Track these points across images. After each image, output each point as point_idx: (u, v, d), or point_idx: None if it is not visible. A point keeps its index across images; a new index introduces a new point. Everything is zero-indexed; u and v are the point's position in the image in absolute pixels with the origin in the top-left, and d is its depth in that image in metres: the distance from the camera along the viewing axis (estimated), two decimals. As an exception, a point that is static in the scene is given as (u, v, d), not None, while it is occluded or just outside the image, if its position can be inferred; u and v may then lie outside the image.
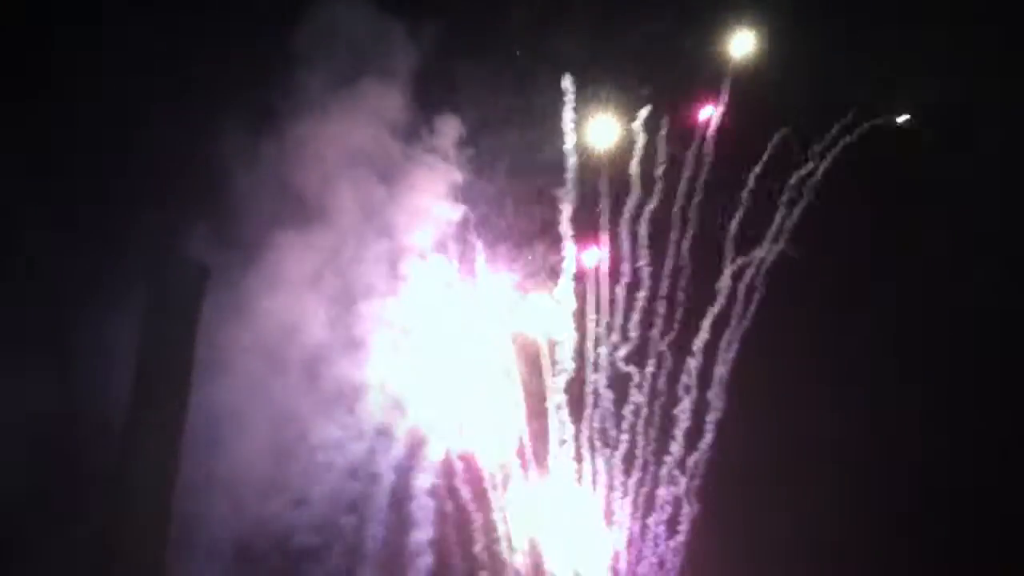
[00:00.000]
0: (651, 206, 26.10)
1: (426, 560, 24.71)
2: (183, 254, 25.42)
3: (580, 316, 25.97)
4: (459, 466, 25.53)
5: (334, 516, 24.64)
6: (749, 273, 25.14)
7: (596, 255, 25.98)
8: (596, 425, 25.40)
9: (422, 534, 24.85)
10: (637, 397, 25.23)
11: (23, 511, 22.93)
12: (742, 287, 25.13)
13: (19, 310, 23.71)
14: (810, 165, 25.24)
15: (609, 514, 25.21)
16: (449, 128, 26.23)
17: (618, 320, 25.76)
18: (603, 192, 26.38)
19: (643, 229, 25.97)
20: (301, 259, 25.59)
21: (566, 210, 26.31)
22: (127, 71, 25.33)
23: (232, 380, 24.89)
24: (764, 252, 25.00)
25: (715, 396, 24.93)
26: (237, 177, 25.20)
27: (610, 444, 25.41)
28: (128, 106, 25.15)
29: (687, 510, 24.93)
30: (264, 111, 25.45)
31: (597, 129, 26.56)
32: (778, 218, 25.11)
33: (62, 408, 23.55)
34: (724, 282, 25.14)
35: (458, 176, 26.31)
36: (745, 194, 25.28)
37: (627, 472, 25.25)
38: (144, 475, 24.18)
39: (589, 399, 25.54)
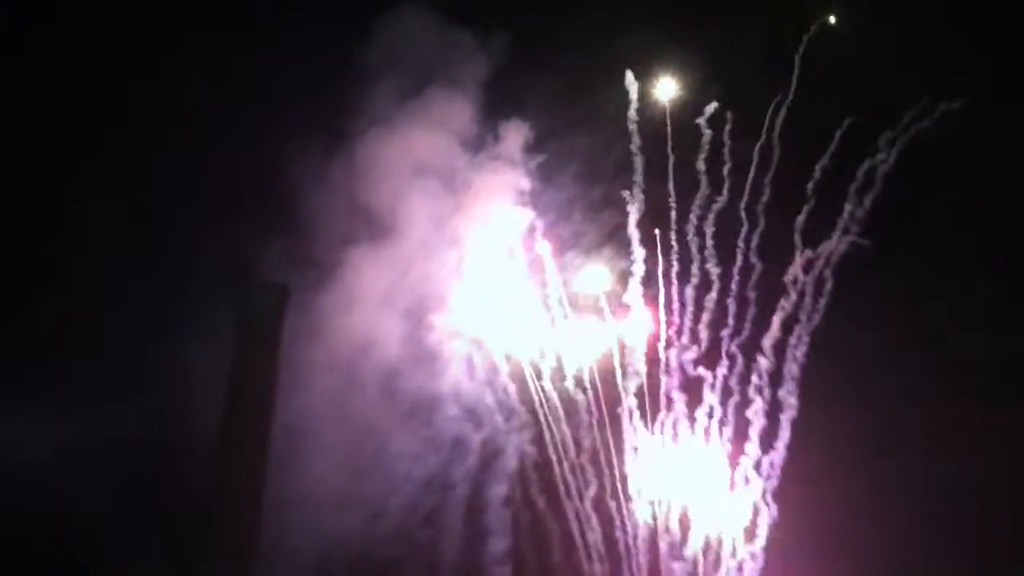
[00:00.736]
0: (719, 204, 25.29)
1: (504, 571, 24.52)
2: (263, 275, 25.97)
3: (650, 320, 25.32)
4: (533, 476, 25.15)
5: (411, 529, 24.69)
6: (818, 268, 24.14)
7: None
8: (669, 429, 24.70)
9: (499, 544, 24.71)
10: (710, 399, 24.51)
11: (118, 534, 23.63)
12: (811, 282, 24.15)
13: (99, 332, 24.36)
14: (881, 155, 24.01)
15: (687, 520, 24.50)
16: (516, 135, 26.25)
17: (688, 322, 25.11)
18: (671, 192, 25.73)
19: (710, 228, 25.16)
20: (374, 274, 26.04)
21: (634, 212, 25.78)
22: (202, 96, 25.96)
23: (311, 398, 25.58)
24: (833, 245, 23.96)
25: (788, 395, 24.02)
26: (310, 197, 25.93)
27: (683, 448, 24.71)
28: (201, 129, 25.83)
29: (765, 513, 24.03)
30: (334, 130, 26.03)
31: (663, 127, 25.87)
32: (847, 210, 24.08)
33: (152, 433, 24.33)
34: (793, 278, 24.11)
35: (525, 182, 26.02)
36: (811, 186, 24.28)
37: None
38: (234, 494, 24.79)
39: (662, 402, 24.87)
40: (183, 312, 25.19)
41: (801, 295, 24.36)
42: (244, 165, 26.12)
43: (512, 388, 25.88)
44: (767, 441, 24.48)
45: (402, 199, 26.31)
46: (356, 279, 25.91)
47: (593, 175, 26.42)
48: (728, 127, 25.52)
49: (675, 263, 25.79)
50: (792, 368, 24.28)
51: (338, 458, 25.10)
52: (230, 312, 26.07)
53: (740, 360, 24.89)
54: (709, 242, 25.44)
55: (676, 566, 24.36)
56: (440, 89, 26.47)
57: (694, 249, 25.69)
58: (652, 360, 25.62)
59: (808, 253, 24.35)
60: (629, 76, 26.07)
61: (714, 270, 25.46)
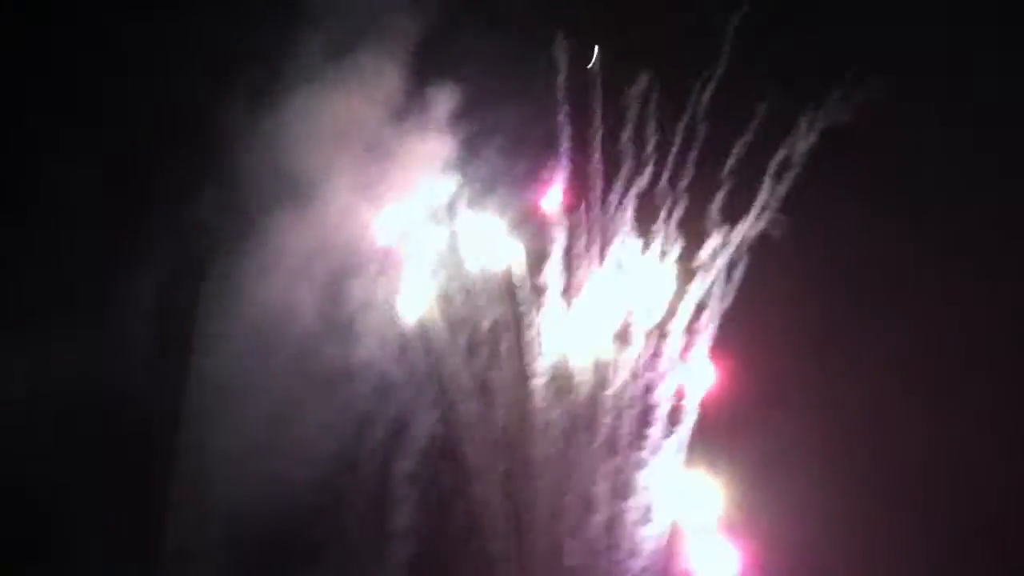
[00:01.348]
0: (642, 181, 24.80)
1: (407, 546, 24.37)
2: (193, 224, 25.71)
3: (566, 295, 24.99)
4: (441, 453, 24.95)
5: (318, 500, 24.53)
6: (729, 250, 23.73)
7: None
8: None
9: (403, 519, 24.49)
10: (620, 380, 24.20)
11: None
12: (723, 264, 23.76)
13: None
14: (801, 134, 23.48)
15: (589, 500, 24.30)
16: (445, 101, 25.78)
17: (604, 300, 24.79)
18: (595, 168, 25.25)
19: (631, 206, 24.70)
20: (293, 239, 25.54)
21: (558, 186, 25.32)
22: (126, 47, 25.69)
23: (225, 364, 25.10)
24: (747, 228, 23.51)
25: (694, 376, 23.70)
26: (231, 155, 25.48)
27: (591, 429, 24.42)
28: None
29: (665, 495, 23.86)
30: (258, 87, 25.66)
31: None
32: (764, 192, 23.58)
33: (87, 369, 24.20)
34: (709, 257, 23.73)
35: (452, 151, 25.63)
36: (730, 165, 23.76)
37: (609, 456, 24.27)
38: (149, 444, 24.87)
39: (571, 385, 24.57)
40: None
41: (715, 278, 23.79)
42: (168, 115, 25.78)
43: (424, 363, 25.22)
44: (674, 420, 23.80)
45: (325, 163, 25.62)
46: (275, 243, 25.41)
47: (521, 146, 25.66)
48: (654, 101, 24.56)
49: (596, 239, 24.89)
50: (700, 351, 23.73)
51: (251, 422, 24.60)
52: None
53: (653, 341, 24.23)
54: (629, 219, 24.60)
55: (577, 544, 24.00)
56: (369, 50, 25.85)
57: (615, 225, 24.87)
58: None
59: (724, 233, 23.68)
60: (559, 42, 24.94)
61: (634, 247, 24.61)
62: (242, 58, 25.77)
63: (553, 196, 25.59)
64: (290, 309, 25.28)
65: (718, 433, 23.97)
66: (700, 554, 23.57)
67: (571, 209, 25.44)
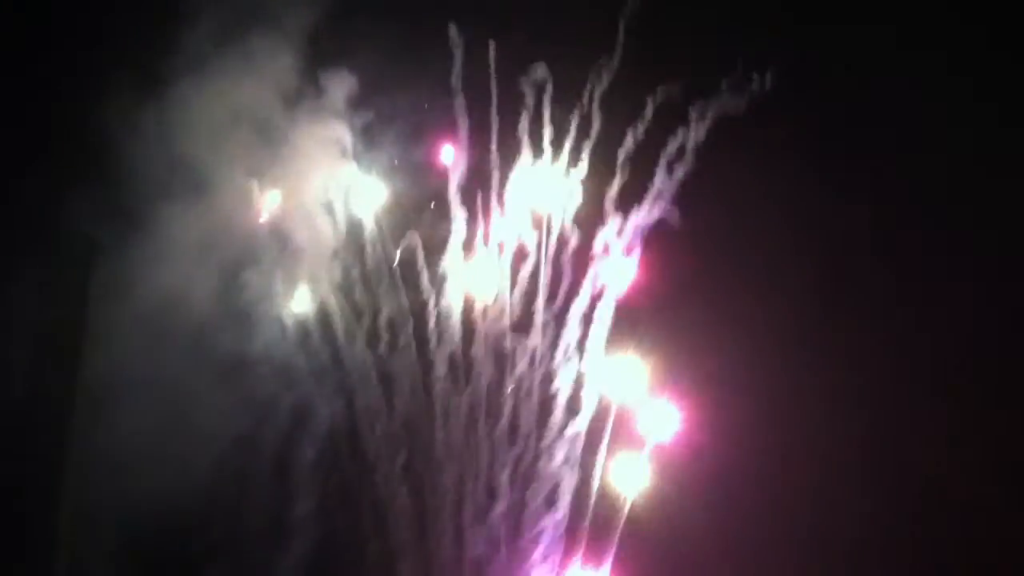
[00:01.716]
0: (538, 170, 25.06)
1: (310, 532, 24.34)
2: (70, 226, 24.88)
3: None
4: (344, 440, 24.95)
5: (217, 489, 24.19)
6: (624, 241, 24.21)
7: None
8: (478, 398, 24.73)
9: (304, 511, 24.45)
10: (520, 368, 24.53)
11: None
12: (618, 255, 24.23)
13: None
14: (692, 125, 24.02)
15: (492, 487, 24.66)
16: (340, 87, 25.49)
17: (503, 292, 25.02)
18: (493, 158, 25.36)
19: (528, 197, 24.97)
20: (187, 229, 24.90)
21: (455, 177, 25.36)
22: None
23: (123, 355, 24.62)
24: (640, 219, 24.00)
25: (590, 367, 24.14)
26: (121, 144, 24.54)
27: (493, 416, 24.75)
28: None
29: (566, 482, 24.34)
30: (148, 72, 24.80)
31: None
32: (656, 182, 24.09)
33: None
34: (603, 248, 24.18)
35: (348, 138, 25.42)
36: (623, 157, 24.18)
37: (510, 444, 24.64)
38: (36, 449, 24.11)
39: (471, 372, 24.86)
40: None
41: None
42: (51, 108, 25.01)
43: (326, 352, 25.15)
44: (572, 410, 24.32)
45: (218, 150, 25.13)
46: (167, 234, 24.87)
47: (418, 135, 25.59)
48: (549, 92, 24.77)
49: (491, 231, 25.19)
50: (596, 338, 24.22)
51: (144, 418, 24.16)
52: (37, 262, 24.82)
53: (552, 330, 24.59)
54: (526, 210, 24.84)
55: (480, 531, 24.35)
56: (262, 34, 25.28)
57: (511, 216, 25.11)
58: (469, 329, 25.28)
59: (617, 223, 24.13)
60: (453, 32, 24.87)
61: (531, 238, 24.87)
62: (124, 48, 25.11)
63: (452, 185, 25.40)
64: (184, 300, 24.78)
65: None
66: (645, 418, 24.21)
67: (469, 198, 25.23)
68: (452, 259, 25.44)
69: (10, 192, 24.99)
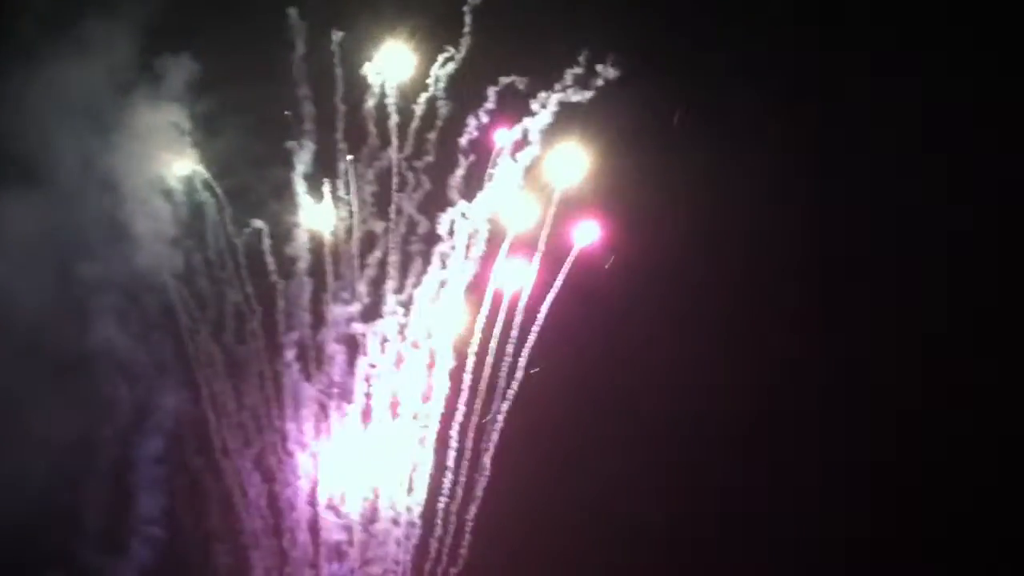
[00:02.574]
0: (383, 160, 25.15)
1: (156, 530, 23.67)
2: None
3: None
4: (190, 433, 24.40)
5: (52, 495, 23.26)
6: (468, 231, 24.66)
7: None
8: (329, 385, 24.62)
9: (151, 504, 23.76)
10: (371, 355, 24.59)
11: None
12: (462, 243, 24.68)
13: None
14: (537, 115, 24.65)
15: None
16: (179, 73, 24.92)
17: (352, 277, 25.01)
18: (339, 145, 25.31)
19: (374, 185, 25.03)
20: (18, 222, 23.80)
21: (300, 166, 25.17)
22: None
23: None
24: (480, 209, 24.54)
25: (439, 351, 24.51)
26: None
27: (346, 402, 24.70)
28: None
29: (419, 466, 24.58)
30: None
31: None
32: (498, 171, 24.65)
33: None
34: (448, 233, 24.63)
35: (188, 126, 24.84)
36: (466, 143, 24.63)
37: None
38: None
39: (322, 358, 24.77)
40: None
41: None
42: None
43: (168, 344, 24.56)
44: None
45: (49, 139, 24.24)
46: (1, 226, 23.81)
47: (263, 124, 25.26)
48: (394, 80, 24.93)
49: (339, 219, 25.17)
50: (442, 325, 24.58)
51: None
52: None
53: (399, 316, 24.80)
54: (370, 198, 24.90)
55: (334, 520, 24.26)
56: (96, 17, 24.57)
57: (357, 205, 25.09)
58: (317, 316, 25.09)
59: (462, 210, 24.54)
60: (292, 17, 24.70)
61: (378, 226, 24.95)
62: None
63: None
64: (16, 296, 23.73)
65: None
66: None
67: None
68: (298, 246, 24.81)
69: None
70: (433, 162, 25.30)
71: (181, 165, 25.30)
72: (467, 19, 25.17)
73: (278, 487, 24.59)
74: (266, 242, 25.32)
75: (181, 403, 24.75)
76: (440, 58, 25.31)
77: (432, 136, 25.28)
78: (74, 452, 23.97)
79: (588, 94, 24.58)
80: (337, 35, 25.23)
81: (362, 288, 25.29)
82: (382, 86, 25.39)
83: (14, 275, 23.66)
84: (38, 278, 23.91)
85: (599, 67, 24.41)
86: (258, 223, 25.29)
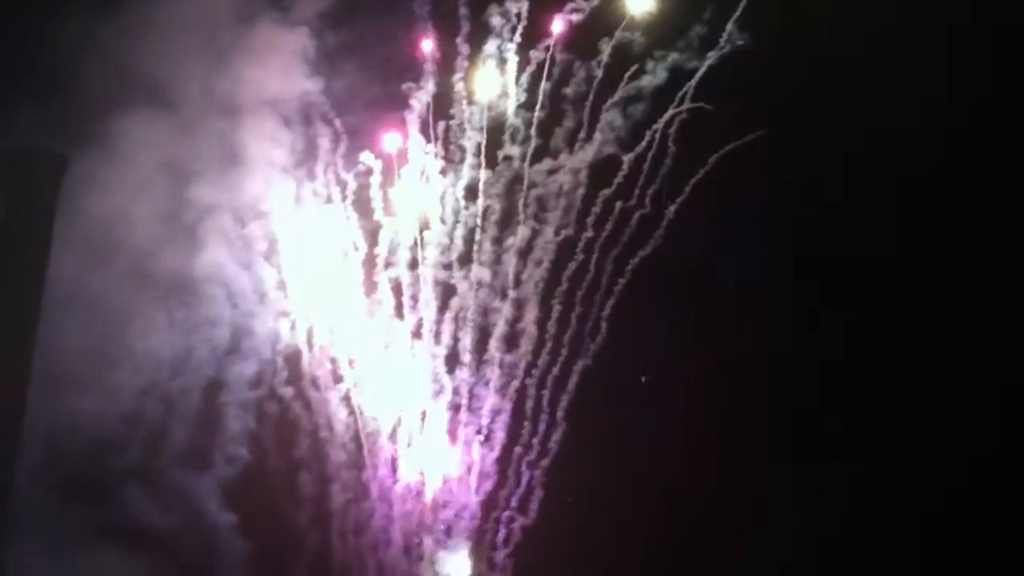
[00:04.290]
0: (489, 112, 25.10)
1: (241, 451, 24.08)
2: (33, 144, 24.61)
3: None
4: (283, 362, 24.67)
5: (146, 408, 24.12)
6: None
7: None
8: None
9: (238, 426, 24.19)
10: (462, 301, 24.53)
11: None
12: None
13: None
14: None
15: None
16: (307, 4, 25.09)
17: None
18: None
19: (478, 137, 25.08)
20: (144, 146, 24.62)
21: (417, 109, 25.18)
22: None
23: (67, 278, 24.18)
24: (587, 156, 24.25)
25: (528, 299, 24.36)
26: (81, 61, 24.36)
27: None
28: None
29: (503, 415, 24.30)
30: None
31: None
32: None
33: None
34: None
35: (314, 56, 25.20)
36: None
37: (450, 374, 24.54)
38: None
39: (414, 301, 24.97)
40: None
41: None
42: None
43: (271, 272, 24.92)
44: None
45: (178, 64, 24.91)
46: (125, 150, 24.63)
47: (385, 62, 25.29)
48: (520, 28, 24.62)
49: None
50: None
51: (84, 337, 24.07)
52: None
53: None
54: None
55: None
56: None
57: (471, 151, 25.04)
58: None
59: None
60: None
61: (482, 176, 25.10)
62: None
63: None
64: (133, 218, 24.37)
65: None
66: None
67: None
68: (406, 187, 24.76)
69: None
70: (544, 116, 24.77)
71: (301, 94, 25.05)
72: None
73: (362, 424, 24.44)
74: (376, 179, 25.01)
75: (277, 332, 24.59)
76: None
77: (544, 87, 24.59)
78: (171, 370, 24.32)
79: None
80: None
81: (459, 235, 24.83)
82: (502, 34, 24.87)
83: (132, 198, 24.06)
84: (154, 201, 24.25)
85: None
86: (369, 160, 24.91)
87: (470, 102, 25.21)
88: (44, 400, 23.48)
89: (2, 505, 22.99)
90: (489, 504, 24.48)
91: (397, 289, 25.16)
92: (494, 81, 25.23)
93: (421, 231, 25.20)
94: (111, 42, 24.32)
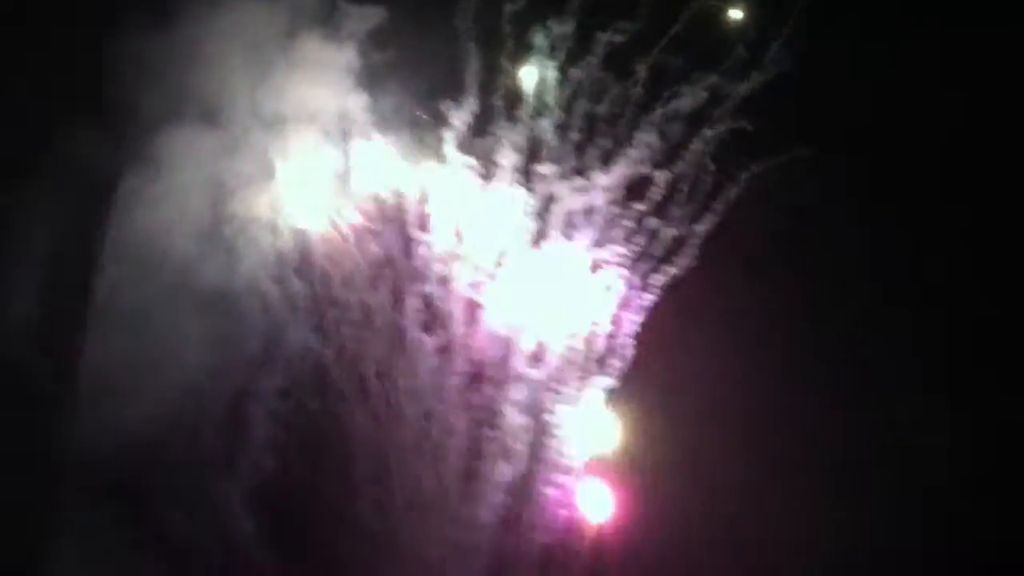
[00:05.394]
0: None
1: (266, 461, 24.06)
2: (86, 156, 25.06)
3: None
4: (313, 373, 24.78)
5: (179, 417, 24.42)
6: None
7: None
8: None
9: (264, 435, 24.18)
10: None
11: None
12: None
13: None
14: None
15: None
16: (361, 20, 25.40)
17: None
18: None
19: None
20: (190, 161, 25.18)
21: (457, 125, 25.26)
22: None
23: (123, 281, 24.84)
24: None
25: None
26: (131, 81, 24.86)
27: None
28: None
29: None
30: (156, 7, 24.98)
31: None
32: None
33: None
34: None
35: (361, 71, 25.43)
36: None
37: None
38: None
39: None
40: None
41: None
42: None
43: (303, 284, 25.05)
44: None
45: (227, 80, 25.28)
46: (172, 166, 25.12)
47: (427, 80, 25.43)
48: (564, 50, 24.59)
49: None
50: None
51: (130, 345, 24.48)
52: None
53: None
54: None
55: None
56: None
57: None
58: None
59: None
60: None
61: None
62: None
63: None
64: (183, 229, 24.75)
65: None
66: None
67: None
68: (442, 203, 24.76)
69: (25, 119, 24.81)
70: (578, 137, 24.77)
71: (343, 111, 25.28)
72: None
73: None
74: (414, 195, 25.02)
75: (307, 345, 24.58)
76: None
77: (584, 106, 24.49)
78: (207, 378, 24.34)
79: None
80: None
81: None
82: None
83: (176, 212, 24.35)
84: (196, 215, 24.52)
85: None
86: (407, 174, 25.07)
87: (510, 119, 24.68)
88: (85, 410, 23.62)
89: (43, 516, 22.76)
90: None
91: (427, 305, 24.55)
92: (534, 100, 24.63)
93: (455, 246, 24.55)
94: (162, 62, 24.58)
